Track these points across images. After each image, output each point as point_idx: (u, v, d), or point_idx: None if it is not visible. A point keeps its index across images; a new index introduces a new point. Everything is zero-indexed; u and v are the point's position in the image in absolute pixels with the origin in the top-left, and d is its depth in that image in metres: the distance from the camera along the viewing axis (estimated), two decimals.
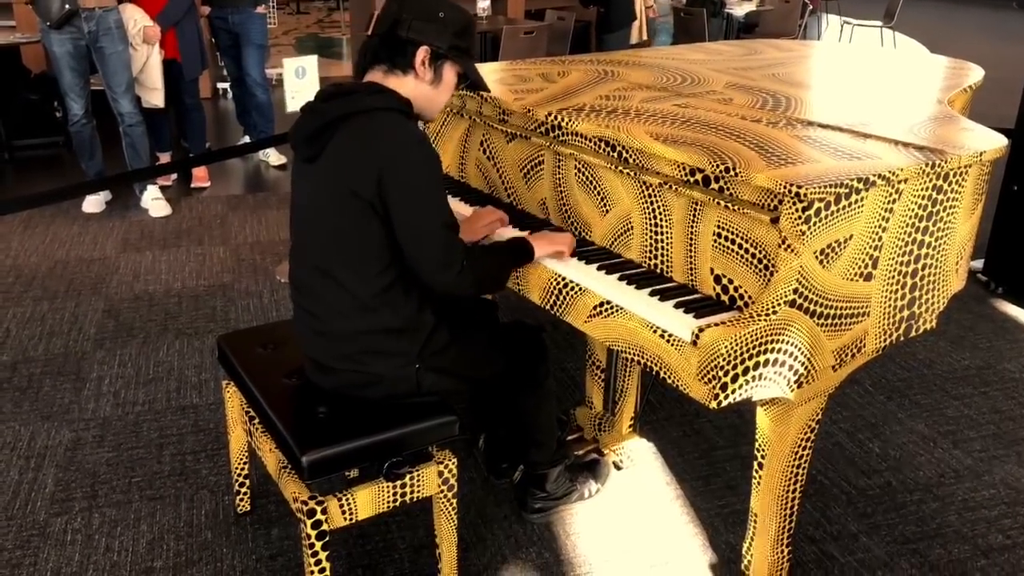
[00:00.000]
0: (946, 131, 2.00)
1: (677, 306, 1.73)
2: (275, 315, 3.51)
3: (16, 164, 5.60)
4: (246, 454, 2.29)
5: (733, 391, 1.59)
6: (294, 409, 1.91)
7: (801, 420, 1.81)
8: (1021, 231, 3.72)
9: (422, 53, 1.84)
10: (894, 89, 2.60)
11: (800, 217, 1.58)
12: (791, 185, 1.57)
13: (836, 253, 1.65)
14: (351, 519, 1.87)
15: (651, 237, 1.92)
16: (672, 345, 1.64)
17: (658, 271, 1.91)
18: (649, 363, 1.70)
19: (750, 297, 1.72)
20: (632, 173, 1.92)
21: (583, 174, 2.08)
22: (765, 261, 1.68)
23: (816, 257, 1.62)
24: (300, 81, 3.65)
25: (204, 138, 5.32)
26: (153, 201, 4.72)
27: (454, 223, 1.83)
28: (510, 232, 2.13)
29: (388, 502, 1.91)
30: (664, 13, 8.16)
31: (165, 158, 5.25)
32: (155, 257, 4.11)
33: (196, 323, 3.44)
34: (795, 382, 1.68)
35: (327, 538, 1.83)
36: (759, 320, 1.58)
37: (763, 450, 1.84)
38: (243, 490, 2.33)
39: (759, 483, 1.88)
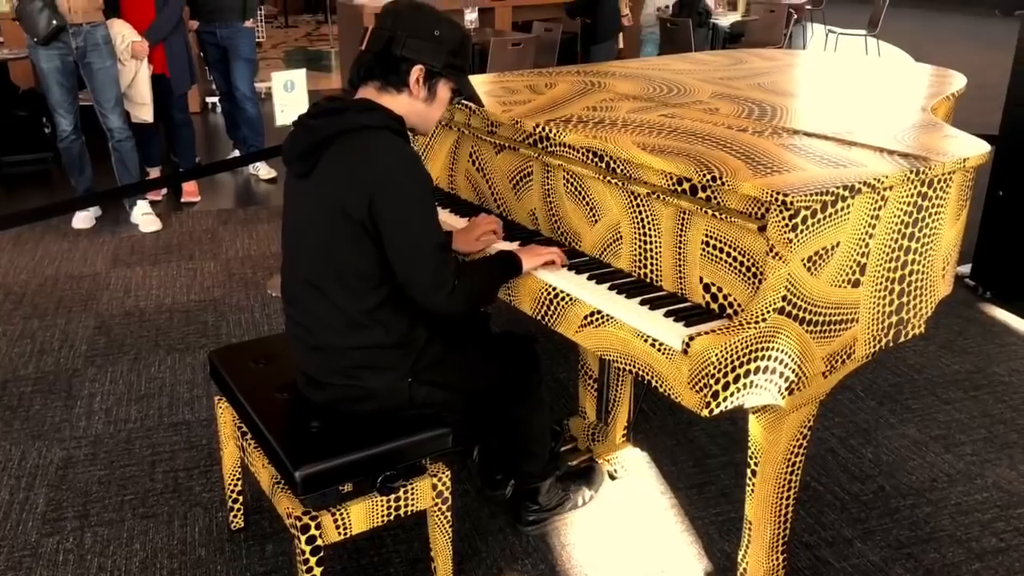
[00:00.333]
0: (930, 138, 2.02)
1: (667, 315, 1.74)
2: (266, 329, 3.51)
3: (5, 180, 5.59)
4: (239, 470, 2.29)
5: (725, 399, 1.60)
6: (287, 424, 1.91)
7: (793, 427, 1.82)
8: (1007, 235, 3.75)
9: (417, 72, 1.83)
10: (878, 97, 2.63)
11: (787, 225, 1.59)
12: (778, 193, 1.59)
13: (824, 260, 1.66)
14: (345, 534, 1.87)
15: (640, 246, 1.93)
16: (663, 354, 1.64)
17: (648, 280, 1.92)
18: (641, 372, 1.71)
19: (740, 305, 1.73)
20: (620, 183, 1.93)
21: (572, 185, 2.09)
22: (754, 269, 1.69)
23: (804, 264, 1.63)
24: (289, 95, 3.65)
25: (194, 153, 5.31)
26: (143, 216, 4.71)
27: (445, 244, 1.84)
28: (501, 244, 2.13)
29: (382, 516, 1.91)
30: (650, 23, 8.21)
31: (155, 173, 5.25)
32: (146, 273, 4.10)
33: (187, 338, 3.43)
34: (786, 389, 1.69)
35: (321, 553, 1.82)
36: (749, 328, 1.59)
37: (756, 457, 1.85)
38: (237, 506, 2.32)
39: (753, 490, 1.89)
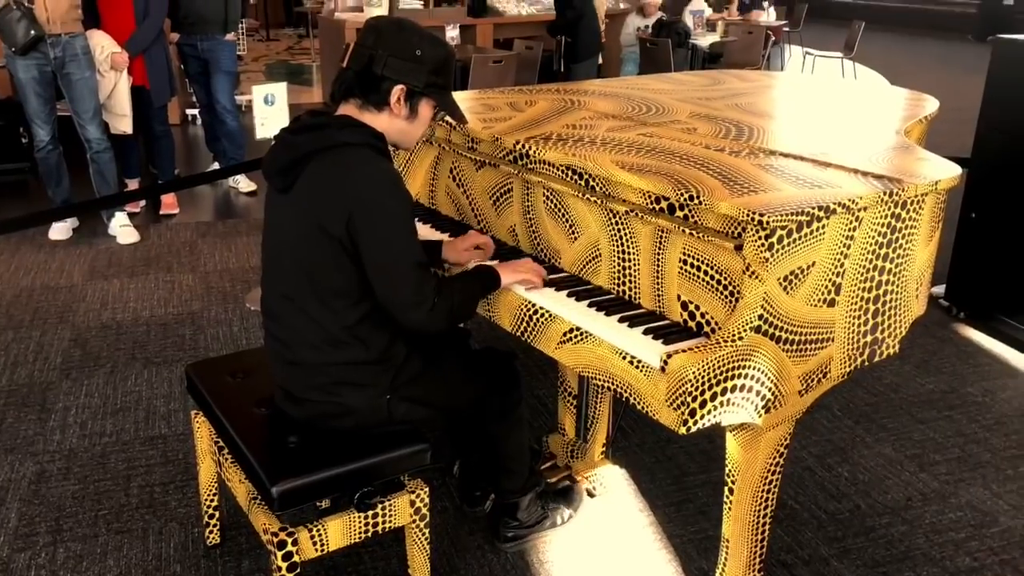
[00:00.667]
0: (904, 161, 2.05)
1: (646, 332, 1.75)
2: (244, 343, 3.49)
3: None
4: (216, 485, 2.27)
5: (702, 416, 1.61)
6: (264, 439, 1.90)
7: (770, 445, 1.84)
8: (980, 257, 3.81)
9: (397, 91, 1.83)
10: (854, 119, 2.67)
11: (763, 244, 1.61)
12: (754, 213, 1.61)
13: (799, 279, 1.68)
14: (322, 550, 1.86)
15: (619, 264, 1.95)
16: (641, 371, 1.65)
17: (627, 297, 1.94)
18: (619, 389, 1.72)
19: (717, 323, 1.74)
20: (599, 201, 1.95)
21: (551, 202, 2.10)
22: (730, 288, 1.71)
23: (780, 284, 1.65)
24: (269, 108, 3.66)
25: (173, 165, 5.29)
26: (121, 228, 4.68)
27: (425, 261, 1.84)
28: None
29: (360, 532, 1.90)
30: (630, 43, 8.30)
31: (133, 185, 5.21)
32: (123, 285, 4.06)
33: (165, 352, 3.41)
34: (763, 407, 1.71)
35: (298, 570, 1.81)
36: (726, 346, 1.61)
37: (733, 475, 1.86)
38: (213, 522, 2.30)
39: (730, 508, 1.90)
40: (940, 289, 4.02)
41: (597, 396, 2.56)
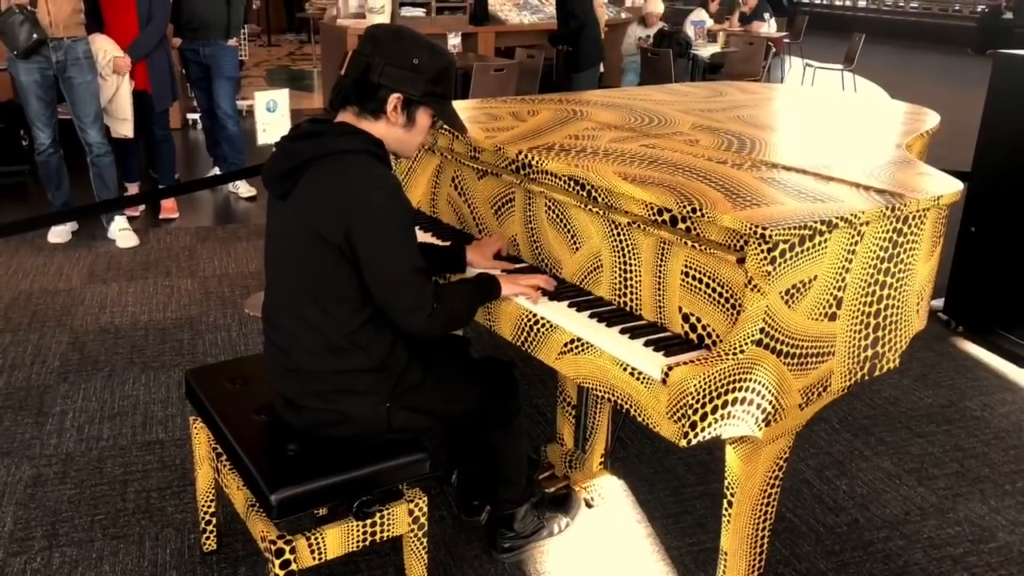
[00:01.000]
0: (905, 175, 2.06)
1: (647, 344, 1.75)
2: (244, 349, 3.48)
3: None
4: (213, 491, 2.26)
5: (702, 429, 1.61)
6: (263, 446, 1.89)
7: (769, 458, 1.83)
8: (979, 271, 3.82)
9: (394, 100, 1.83)
10: (855, 133, 2.67)
11: (765, 258, 1.61)
12: (756, 227, 1.61)
13: (801, 293, 1.68)
14: (320, 558, 1.85)
15: (620, 275, 1.95)
16: (642, 383, 1.65)
17: (628, 309, 1.94)
18: (619, 401, 1.72)
19: (718, 336, 1.74)
20: (601, 212, 1.95)
21: (553, 212, 2.10)
22: (732, 300, 1.71)
23: (782, 297, 1.65)
24: (271, 115, 3.66)
25: (173, 169, 5.29)
26: (120, 232, 4.67)
27: (423, 266, 1.84)
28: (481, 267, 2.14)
29: (358, 541, 1.89)
30: (631, 53, 8.32)
31: (133, 189, 5.22)
32: (122, 289, 4.06)
33: (163, 356, 3.40)
34: (763, 420, 1.71)
35: None
36: (727, 359, 1.61)
37: (732, 488, 1.85)
38: (210, 528, 2.29)
39: (729, 521, 1.89)
40: (939, 303, 4.02)
41: (596, 406, 2.56)
